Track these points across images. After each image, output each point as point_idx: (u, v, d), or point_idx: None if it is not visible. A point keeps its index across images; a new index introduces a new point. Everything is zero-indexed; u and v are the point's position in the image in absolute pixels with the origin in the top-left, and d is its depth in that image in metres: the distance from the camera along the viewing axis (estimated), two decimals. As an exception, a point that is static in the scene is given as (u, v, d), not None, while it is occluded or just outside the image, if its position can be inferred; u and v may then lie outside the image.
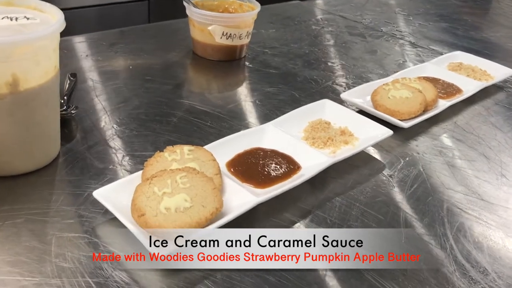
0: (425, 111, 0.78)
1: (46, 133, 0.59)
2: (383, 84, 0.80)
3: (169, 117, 0.74)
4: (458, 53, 1.02)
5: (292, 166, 0.62)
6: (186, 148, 0.58)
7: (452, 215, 0.59)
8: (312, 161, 0.63)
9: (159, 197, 0.51)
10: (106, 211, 0.52)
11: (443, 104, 0.81)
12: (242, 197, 0.55)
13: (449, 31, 1.26)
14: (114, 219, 0.51)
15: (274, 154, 0.64)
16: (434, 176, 0.66)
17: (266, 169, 0.61)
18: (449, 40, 1.19)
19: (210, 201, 0.51)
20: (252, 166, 0.62)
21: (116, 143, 0.66)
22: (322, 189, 0.62)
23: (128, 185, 0.54)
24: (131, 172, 0.57)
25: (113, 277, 0.46)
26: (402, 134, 0.74)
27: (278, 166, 0.62)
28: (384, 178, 0.65)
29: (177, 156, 0.57)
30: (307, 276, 0.49)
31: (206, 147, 0.62)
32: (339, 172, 0.64)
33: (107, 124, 0.71)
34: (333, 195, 0.60)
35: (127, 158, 0.63)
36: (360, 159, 0.68)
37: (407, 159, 0.69)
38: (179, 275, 0.47)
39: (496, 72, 0.95)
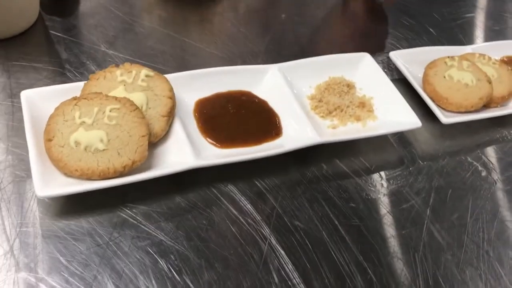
0: (486, 107, 0.60)
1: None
2: (448, 57, 0.62)
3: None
4: None
5: (270, 130, 0.51)
6: (144, 72, 0.48)
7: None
8: (298, 132, 0.51)
9: (76, 125, 0.43)
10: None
11: (517, 106, 0.62)
12: (181, 154, 0.45)
13: None
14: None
15: (260, 107, 0.53)
16: (440, 203, 0.52)
17: (238, 124, 0.51)
18: None
19: (129, 150, 0.42)
20: (224, 114, 0.51)
21: (92, 38, 0.58)
22: (286, 171, 0.50)
23: (62, 95, 0.46)
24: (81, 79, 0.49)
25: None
26: (439, 130, 0.58)
27: (255, 124, 0.51)
28: (373, 181, 0.51)
29: (130, 78, 0.48)
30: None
31: (182, 74, 0.51)
32: (324, 153, 0.52)
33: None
34: (295, 184, 0.49)
35: (88, 62, 0.55)
36: (362, 145, 0.54)
37: (421, 163, 0.54)
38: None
39: None
